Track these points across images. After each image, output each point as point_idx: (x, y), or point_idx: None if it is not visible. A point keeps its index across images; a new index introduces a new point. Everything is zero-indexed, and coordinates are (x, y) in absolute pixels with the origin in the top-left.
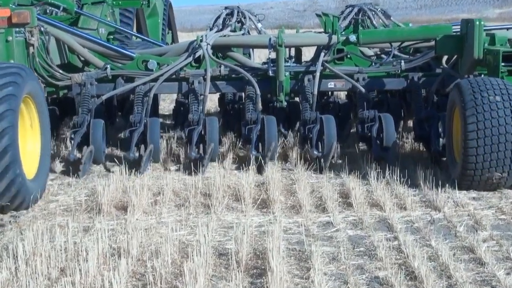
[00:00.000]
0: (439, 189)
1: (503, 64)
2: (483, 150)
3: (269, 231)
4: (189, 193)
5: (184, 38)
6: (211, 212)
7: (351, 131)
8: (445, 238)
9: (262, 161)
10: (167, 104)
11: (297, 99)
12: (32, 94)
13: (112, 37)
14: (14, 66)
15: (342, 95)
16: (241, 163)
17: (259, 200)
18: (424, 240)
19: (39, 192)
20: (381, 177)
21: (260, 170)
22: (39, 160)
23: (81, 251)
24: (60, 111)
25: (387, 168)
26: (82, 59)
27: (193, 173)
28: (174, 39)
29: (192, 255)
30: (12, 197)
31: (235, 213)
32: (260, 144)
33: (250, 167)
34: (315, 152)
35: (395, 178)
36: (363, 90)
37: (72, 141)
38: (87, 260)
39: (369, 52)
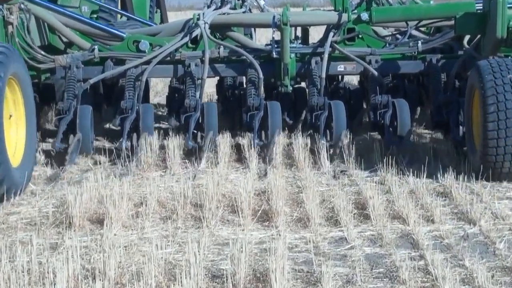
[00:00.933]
0: (474, 198)
1: None
2: (504, 134)
3: (271, 249)
4: (177, 203)
5: (172, 18)
6: (203, 226)
7: (364, 120)
8: (481, 257)
9: (265, 151)
10: (151, 97)
11: (303, 84)
12: (17, 76)
13: (95, 16)
14: None
15: (355, 80)
16: (238, 167)
17: (260, 211)
18: (456, 260)
19: (24, 182)
20: (404, 182)
21: (263, 159)
22: (24, 147)
23: (48, 272)
24: (40, 99)
25: (412, 174)
26: (65, 40)
27: (182, 179)
28: (163, 19)
29: (181, 278)
30: None
31: (231, 227)
32: (263, 133)
33: (249, 171)
34: (323, 141)
35: (421, 185)
36: (375, 73)
37: (58, 129)
38: (54, 284)
39: (384, 32)
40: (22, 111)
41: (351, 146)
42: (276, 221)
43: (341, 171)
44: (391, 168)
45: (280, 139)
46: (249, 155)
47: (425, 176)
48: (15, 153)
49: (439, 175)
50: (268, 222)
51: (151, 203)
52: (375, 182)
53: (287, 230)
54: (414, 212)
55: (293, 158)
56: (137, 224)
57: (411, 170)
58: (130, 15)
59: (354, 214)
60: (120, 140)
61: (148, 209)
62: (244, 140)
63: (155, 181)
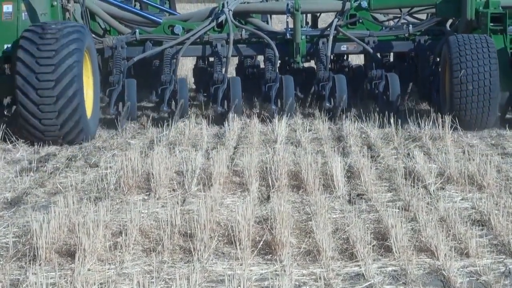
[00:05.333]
0: None
1: (491, 24)
2: (465, 88)
3: (274, 287)
4: (162, 232)
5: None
6: (194, 260)
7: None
8: None
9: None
10: None
11: (312, 63)
12: (89, 49)
13: None
14: (76, 23)
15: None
16: (235, 190)
17: (261, 242)
18: None
19: (95, 130)
20: (433, 208)
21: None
22: (93, 104)
23: None
24: None
25: (441, 199)
26: (103, 26)
27: (168, 204)
28: (171, 7)
29: None
30: (75, 123)
31: (227, 261)
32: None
33: (249, 194)
34: (327, 104)
35: (453, 212)
36: (371, 51)
37: (109, 99)
38: None
39: (383, 18)
40: (91, 76)
41: (369, 165)
42: (280, 254)
43: (358, 195)
44: (417, 190)
45: (286, 156)
46: (248, 175)
47: (459, 199)
48: (88, 108)
49: (475, 198)
50: (270, 255)
51: (132, 232)
52: (398, 208)
53: (293, 265)
54: (445, 244)
55: (300, 179)
56: (115, 257)
57: (438, 190)
58: (152, 3)
59: (373, 246)
60: (162, 105)
61: (128, 239)
62: (244, 158)
63: (137, 206)
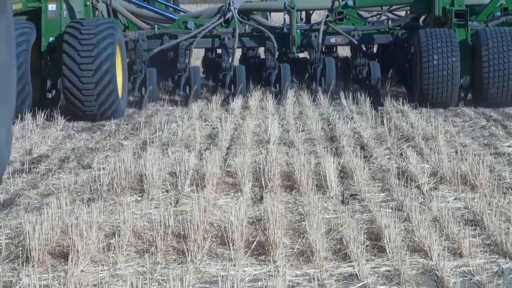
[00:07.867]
0: (511, 227)
1: (455, 20)
2: (432, 74)
3: (268, 287)
4: (156, 233)
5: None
6: (187, 261)
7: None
8: None
9: (279, 96)
10: None
11: (306, 53)
12: (119, 41)
13: None
14: (110, 19)
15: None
16: (228, 191)
17: (254, 243)
18: None
19: (123, 110)
20: (426, 209)
21: (279, 102)
22: (122, 88)
23: None
24: None
25: (434, 199)
26: (123, 22)
27: (162, 205)
28: (175, 4)
29: None
30: (109, 93)
31: (220, 262)
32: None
33: (242, 195)
34: (319, 87)
35: (446, 212)
36: (356, 43)
37: (133, 84)
38: None
39: (366, 15)
40: (120, 64)
41: (362, 166)
42: (273, 254)
43: (351, 195)
44: (410, 190)
45: (279, 157)
46: (241, 176)
47: (451, 199)
48: (118, 90)
49: (468, 198)
50: (264, 256)
51: (125, 233)
52: (391, 208)
53: (286, 266)
54: (438, 244)
55: (294, 180)
56: (109, 258)
57: (431, 190)
58: (165, 2)
59: (367, 246)
60: (177, 90)
61: (121, 240)
62: (237, 159)
63: (130, 207)
